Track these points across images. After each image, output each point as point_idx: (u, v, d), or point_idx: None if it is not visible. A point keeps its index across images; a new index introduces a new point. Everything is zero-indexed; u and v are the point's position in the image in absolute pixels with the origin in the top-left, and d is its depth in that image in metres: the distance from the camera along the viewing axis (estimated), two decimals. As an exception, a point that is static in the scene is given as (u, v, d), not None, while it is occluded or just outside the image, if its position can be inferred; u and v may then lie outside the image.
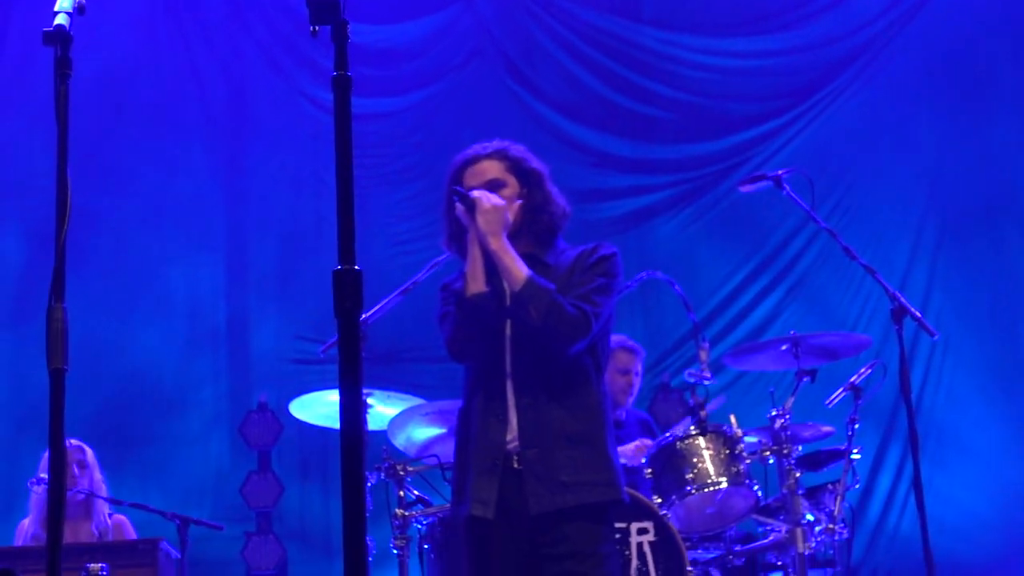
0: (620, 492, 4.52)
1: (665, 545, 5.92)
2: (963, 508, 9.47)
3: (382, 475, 6.35)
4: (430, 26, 10.57)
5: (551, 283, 4.51)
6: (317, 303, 9.72)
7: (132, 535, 7.37)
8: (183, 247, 10.12)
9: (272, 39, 10.43)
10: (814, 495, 6.75)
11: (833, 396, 6.85)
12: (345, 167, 2.88)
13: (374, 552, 6.26)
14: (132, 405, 9.78)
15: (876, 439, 9.57)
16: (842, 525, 6.64)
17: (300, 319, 9.96)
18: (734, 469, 6.32)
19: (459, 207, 4.60)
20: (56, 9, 3.34)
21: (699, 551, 6.61)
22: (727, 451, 6.36)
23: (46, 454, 3.36)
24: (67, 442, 6.83)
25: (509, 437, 4.49)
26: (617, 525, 5.34)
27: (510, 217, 4.58)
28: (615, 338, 6.48)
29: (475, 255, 4.57)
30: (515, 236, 4.58)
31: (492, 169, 4.72)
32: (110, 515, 7.41)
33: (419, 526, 6.28)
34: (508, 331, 4.57)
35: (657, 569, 5.88)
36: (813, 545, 6.48)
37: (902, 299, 6.14)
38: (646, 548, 5.90)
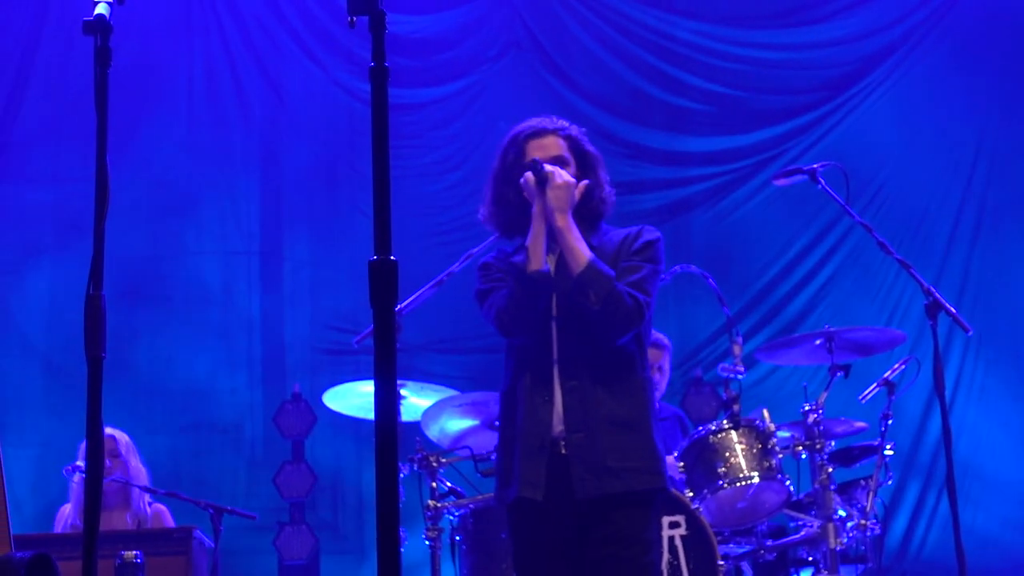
0: (664, 480, 4.52)
1: (696, 539, 5.91)
2: (992, 511, 9.43)
3: (415, 466, 6.35)
4: (466, 16, 10.57)
5: (610, 269, 4.48)
6: (351, 293, 9.75)
7: (171, 524, 7.38)
8: (218, 236, 10.16)
9: (308, 29, 10.44)
10: (846, 491, 6.73)
11: (867, 392, 6.82)
12: (381, 158, 2.88)
13: (406, 543, 6.27)
14: (166, 394, 9.82)
15: (909, 437, 9.53)
16: (874, 521, 6.61)
17: (334, 309, 9.99)
18: (766, 464, 6.31)
19: (528, 178, 4.54)
20: (96, -1, 3.36)
21: (730, 545, 6.60)
22: (759, 446, 6.35)
23: (83, 443, 3.38)
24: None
25: (555, 421, 4.48)
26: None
27: (576, 197, 4.57)
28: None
29: (539, 230, 4.52)
30: None
31: (557, 145, 4.70)
32: (150, 504, 7.43)
33: (451, 517, 6.28)
34: (555, 311, 4.55)
35: (688, 563, 5.87)
36: (845, 541, 6.46)
37: (937, 294, 6.10)
38: (677, 542, 5.89)
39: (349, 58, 10.32)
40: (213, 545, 6.71)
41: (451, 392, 6.59)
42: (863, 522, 6.55)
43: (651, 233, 4.69)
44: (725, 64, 10.39)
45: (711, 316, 9.46)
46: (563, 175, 4.53)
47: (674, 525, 5.90)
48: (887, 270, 9.69)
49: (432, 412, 6.42)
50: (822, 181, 6.67)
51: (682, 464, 6.46)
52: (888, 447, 6.73)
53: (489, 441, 6.27)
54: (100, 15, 3.32)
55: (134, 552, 5.92)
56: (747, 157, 10.26)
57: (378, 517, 2.79)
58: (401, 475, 6.14)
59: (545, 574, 4.50)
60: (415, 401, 6.52)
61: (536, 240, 4.52)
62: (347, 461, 9.85)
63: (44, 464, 9.24)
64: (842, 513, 6.50)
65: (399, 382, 6.18)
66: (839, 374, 6.75)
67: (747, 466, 6.29)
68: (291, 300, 10.17)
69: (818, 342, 6.83)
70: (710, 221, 10.20)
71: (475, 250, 5.91)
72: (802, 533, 6.58)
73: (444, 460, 6.39)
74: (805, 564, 6.86)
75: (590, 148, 4.77)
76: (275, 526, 9.56)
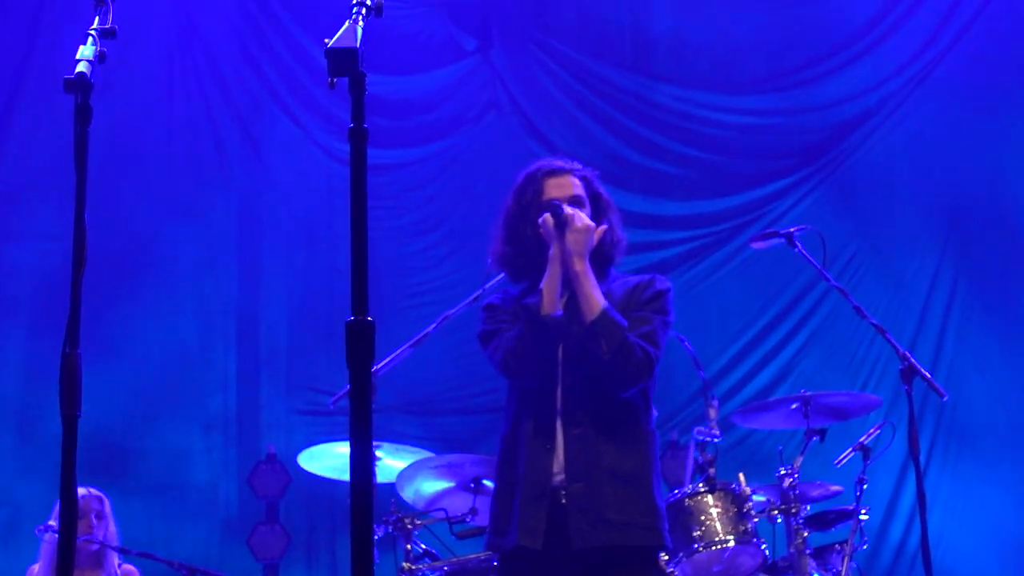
0: (663, 538, 4.48)
1: (672, 602, 5.89)
2: (973, 567, 9.42)
3: (390, 528, 6.31)
4: (446, 78, 10.62)
5: (623, 318, 4.45)
6: (327, 354, 9.73)
7: (142, 586, 7.32)
8: (195, 295, 10.14)
9: (287, 89, 10.48)
10: (822, 555, 6.71)
11: (842, 456, 6.82)
12: (360, 219, 2.87)
13: (380, 605, 6.23)
14: (141, 453, 9.77)
15: (884, 501, 9.53)
16: (850, 586, 6.60)
17: (310, 370, 9.97)
18: (742, 527, 6.29)
19: (547, 219, 4.50)
20: (78, 57, 3.37)
21: (706, 609, 6.58)
22: (735, 509, 6.33)
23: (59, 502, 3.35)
24: (87, 491, 6.87)
25: (556, 469, 4.43)
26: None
27: (595, 241, 4.53)
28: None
29: (555, 273, 4.48)
30: None
31: (575, 186, 4.67)
32: (120, 565, 7.36)
33: (426, 580, 6.25)
34: (561, 356, 4.51)
35: (664, 627, 5.84)
36: (821, 605, 6.45)
37: (912, 359, 6.11)
38: (653, 605, 5.86)
39: (328, 118, 10.36)
40: (185, 607, 6.64)
41: (426, 454, 6.56)
42: (839, 587, 6.54)
43: (663, 283, 4.67)
44: (703, 129, 10.46)
45: (687, 379, 9.43)
46: (583, 218, 4.50)
47: (650, 589, 5.87)
48: (863, 334, 9.71)
49: (407, 474, 6.39)
50: (799, 245, 6.69)
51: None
52: (864, 511, 6.73)
53: (464, 503, 6.25)
54: (81, 73, 3.32)
55: (106, 613, 5.87)
56: (724, 221, 10.31)
57: (352, 579, 2.77)
58: (376, 537, 6.11)
59: None
60: (390, 463, 6.49)
61: (552, 283, 4.47)
62: (321, 523, 9.80)
63: (15, 524, 9.17)
64: (818, 577, 6.48)
65: (374, 443, 6.17)
66: (815, 438, 6.74)
67: (723, 530, 6.27)
68: (267, 360, 10.15)
69: (794, 406, 6.84)
70: (687, 284, 10.23)
71: (452, 312, 5.91)
72: (777, 597, 6.56)
73: (419, 522, 6.35)
74: (781, 628, 6.84)
75: (603, 191, 4.75)
76: (249, 587, 9.50)
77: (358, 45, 2.91)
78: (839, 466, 6.82)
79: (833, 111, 10.42)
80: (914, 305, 10.01)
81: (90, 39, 3.43)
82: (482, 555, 5.94)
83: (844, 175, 10.32)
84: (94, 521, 7.10)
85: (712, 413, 6.67)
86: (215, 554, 9.55)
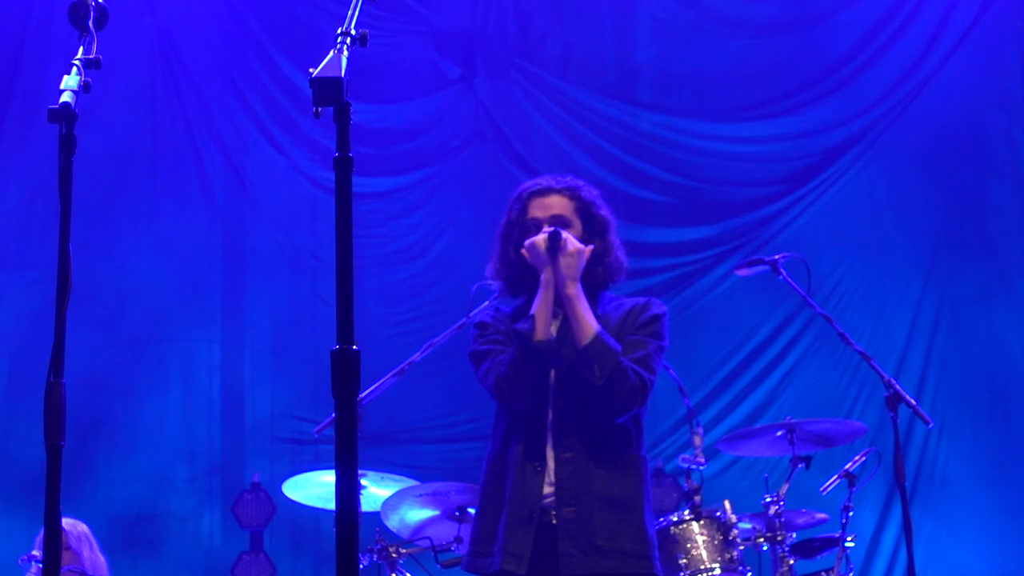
0: (655, 566, 4.42)
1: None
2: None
3: (375, 557, 6.31)
4: (430, 106, 10.63)
5: (617, 342, 4.41)
6: (312, 383, 9.72)
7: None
8: (179, 323, 10.12)
9: (272, 117, 10.49)
10: (808, 583, 6.72)
11: (828, 483, 6.82)
12: (345, 247, 2.87)
13: (365, 634, 6.21)
14: (125, 482, 9.74)
15: (870, 528, 9.53)
16: (836, 613, 6.60)
17: (294, 398, 9.95)
18: (727, 555, 6.29)
19: (539, 243, 4.45)
20: (62, 87, 3.36)
21: (692, 637, 6.56)
22: (721, 537, 6.33)
23: (42, 532, 3.34)
24: (72, 521, 6.84)
25: (547, 491, 4.38)
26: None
27: (584, 262, 4.50)
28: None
29: (547, 298, 4.44)
30: None
31: (560, 205, 4.61)
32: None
33: (411, 608, 6.24)
34: (552, 380, 4.47)
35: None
36: (807, 633, 6.44)
37: (897, 386, 6.12)
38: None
39: (312, 146, 10.36)
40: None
41: (411, 482, 6.55)
42: (825, 615, 6.53)
43: (659, 307, 4.67)
44: (687, 156, 10.47)
45: (672, 407, 9.43)
46: (573, 242, 4.45)
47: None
48: (848, 361, 9.71)
49: (392, 502, 6.38)
50: (784, 272, 6.71)
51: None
52: (849, 539, 6.72)
53: (449, 532, 6.24)
54: (65, 103, 3.32)
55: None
56: (709, 248, 10.31)
57: (338, 609, 2.76)
58: (361, 566, 6.10)
59: None
60: (375, 491, 6.48)
61: (545, 308, 4.43)
62: (306, 552, 9.76)
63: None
64: (804, 605, 6.48)
65: (359, 472, 6.16)
66: (800, 465, 6.75)
67: (708, 557, 6.27)
68: (251, 388, 10.13)
69: (779, 433, 6.84)
70: (672, 311, 10.08)
71: (436, 340, 5.91)
72: (764, 625, 6.55)
73: (404, 551, 6.35)
74: (767, 656, 6.83)
75: (603, 212, 4.69)
76: (233, 617, 9.46)
77: (343, 74, 2.91)
78: (825, 494, 6.81)
79: (817, 138, 10.43)
80: (899, 332, 10.01)
81: (74, 69, 3.43)
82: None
83: (828, 202, 10.32)
84: (81, 552, 7.06)
85: (697, 440, 6.66)
86: (199, 584, 9.53)
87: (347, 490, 2.83)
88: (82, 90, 3.40)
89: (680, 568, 6.25)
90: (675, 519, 6.42)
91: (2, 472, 9.62)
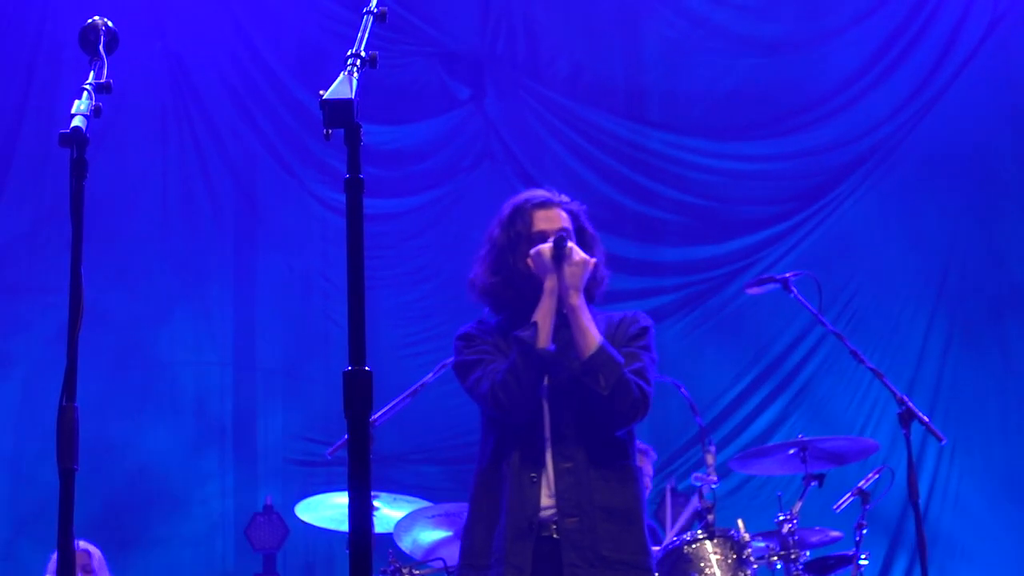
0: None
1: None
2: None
3: (388, 578, 6.30)
4: (440, 127, 10.65)
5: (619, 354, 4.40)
6: (324, 404, 9.72)
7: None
8: (191, 346, 10.13)
9: (282, 140, 10.50)
10: (822, 601, 6.69)
11: (841, 501, 6.81)
12: (356, 269, 2.86)
13: (379, 656, 6.20)
14: (138, 505, 9.73)
15: (884, 546, 9.50)
16: (850, 632, 6.58)
17: (307, 420, 9.95)
18: (741, 574, 6.27)
19: (544, 251, 4.44)
20: (73, 111, 3.37)
21: (707, 657, 6.54)
22: (734, 556, 6.31)
23: (54, 555, 3.34)
24: (86, 545, 6.84)
25: (546, 503, 4.37)
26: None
27: (588, 274, 4.49)
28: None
29: (549, 307, 4.43)
30: None
31: (563, 219, 4.63)
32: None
33: (423, 629, 6.23)
34: (546, 389, 4.45)
35: (664, 675, 5.82)
36: (822, 652, 6.42)
37: (910, 403, 6.11)
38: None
39: (322, 168, 10.37)
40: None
41: (424, 503, 6.54)
42: (839, 633, 6.52)
43: (645, 319, 4.65)
44: (697, 175, 10.48)
45: (684, 425, 9.44)
46: (580, 252, 4.46)
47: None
48: (860, 378, 9.70)
49: (405, 523, 6.37)
50: (795, 290, 6.70)
51: (657, 574, 6.41)
52: (863, 557, 6.70)
53: (463, 553, 6.22)
54: (76, 127, 3.33)
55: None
56: (719, 267, 10.31)
57: (351, 631, 2.75)
58: (374, 587, 6.08)
59: None
60: (388, 512, 6.47)
61: (548, 316, 4.41)
62: (320, 574, 9.75)
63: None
64: (818, 624, 6.46)
65: (372, 493, 6.15)
66: (813, 483, 6.73)
67: (722, 576, 6.25)
68: (263, 410, 10.13)
69: (792, 451, 6.83)
70: (683, 330, 10.22)
71: (449, 360, 5.90)
72: (778, 645, 6.53)
73: (417, 572, 6.34)
74: (781, 675, 6.81)
75: (589, 226, 4.71)
76: (246, 641, 9.45)
77: (353, 96, 2.91)
78: (838, 511, 6.80)
79: (827, 156, 10.44)
80: (911, 349, 10.00)
81: (85, 93, 3.44)
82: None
83: (839, 220, 10.33)
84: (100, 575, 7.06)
85: (709, 459, 6.64)
86: (212, 607, 9.52)
87: (360, 512, 2.82)
88: (93, 114, 3.41)
89: (694, 587, 6.23)
90: (688, 538, 6.40)
91: (16, 495, 9.63)
